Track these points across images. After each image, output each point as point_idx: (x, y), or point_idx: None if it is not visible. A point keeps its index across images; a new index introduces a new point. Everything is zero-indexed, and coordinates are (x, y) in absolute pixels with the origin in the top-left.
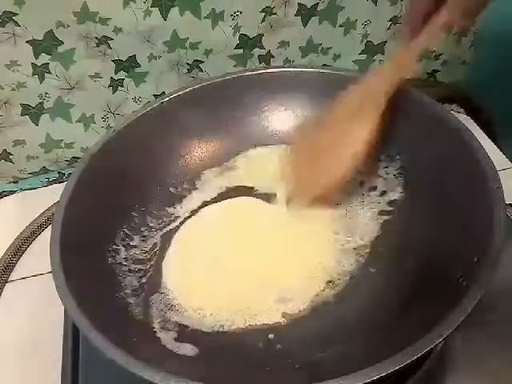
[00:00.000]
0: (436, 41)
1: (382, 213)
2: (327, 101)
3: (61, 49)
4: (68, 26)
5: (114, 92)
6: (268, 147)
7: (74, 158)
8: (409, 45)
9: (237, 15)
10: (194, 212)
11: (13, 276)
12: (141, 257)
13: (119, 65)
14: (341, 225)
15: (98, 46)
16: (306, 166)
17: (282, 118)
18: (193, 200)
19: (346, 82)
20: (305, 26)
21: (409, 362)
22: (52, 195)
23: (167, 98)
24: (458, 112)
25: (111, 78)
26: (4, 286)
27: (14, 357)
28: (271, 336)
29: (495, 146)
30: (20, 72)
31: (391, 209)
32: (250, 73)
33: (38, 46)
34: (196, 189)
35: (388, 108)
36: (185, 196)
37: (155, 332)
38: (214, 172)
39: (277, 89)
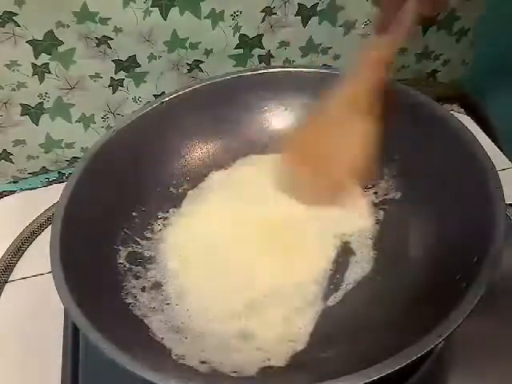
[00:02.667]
0: (409, 34)
1: (381, 213)
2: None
3: (61, 49)
4: (68, 26)
5: (114, 92)
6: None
7: (74, 157)
8: (383, 41)
9: (237, 15)
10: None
11: (13, 276)
12: (141, 256)
13: (119, 65)
14: (340, 225)
15: (98, 46)
16: (309, 170)
17: (282, 118)
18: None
19: None
20: (305, 26)
21: (409, 361)
22: (52, 195)
23: (167, 98)
24: (458, 112)
25: (111, 78)
26: (4, 285)
27: (14, 357)
28: None
29: (495, 146)
30: (20, 72)
31: (391, 209)
32: (250, 73)
33: (37, 46)
34: (196, 189)
35: (386, 109)
36: (185, 196)
37: (155, 332)
38: (215, 172)
39: (277, 89)
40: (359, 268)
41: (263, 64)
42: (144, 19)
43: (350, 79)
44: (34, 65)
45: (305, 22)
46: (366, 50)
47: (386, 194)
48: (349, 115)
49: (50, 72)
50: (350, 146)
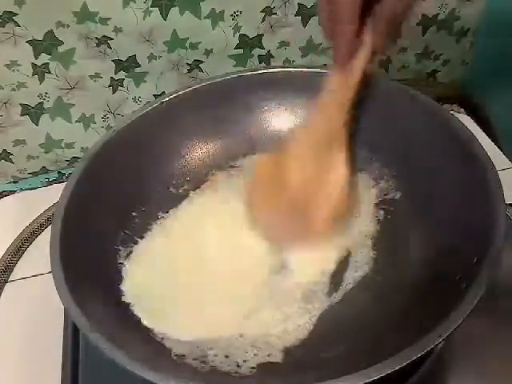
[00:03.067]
0: (367, 67)
1: (381, 213)
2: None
3: (61, 49)
4: (68, 26)
5: (114, 92)
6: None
7: (74, 157)
8: (343, 71)
9: (237, 15)
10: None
11: (13, 276)
12: None
13: (119, 65)
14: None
15: (98, 46)
16: (286, 212)
17: (282, 118)
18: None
19: None
20: (305, 26)
21: (409, 362)
22: (52, 195)
23: (167, 98)
24: (458, 112)
25: (111, 77)
26: (4, 285)
27: (14, 357)
28: None
29: (495, 146)
30: (20, 72)
31: (391, 209)
32: (250, 73)
33: (37, 46)
34: (196, 190)
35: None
36: (185, 196)
37: (155, 332)
38: (215, 173)
39: (277, 89)
40: (359, 268)
41: (263, 64)
42: (144, 19)
43: (315, 117)
44: (34, 65)
45: (305, 22)
46: (326, 90)
47: (386, 194)
48: (319, 153)
49: (50, 72)
50: (325, 186)
